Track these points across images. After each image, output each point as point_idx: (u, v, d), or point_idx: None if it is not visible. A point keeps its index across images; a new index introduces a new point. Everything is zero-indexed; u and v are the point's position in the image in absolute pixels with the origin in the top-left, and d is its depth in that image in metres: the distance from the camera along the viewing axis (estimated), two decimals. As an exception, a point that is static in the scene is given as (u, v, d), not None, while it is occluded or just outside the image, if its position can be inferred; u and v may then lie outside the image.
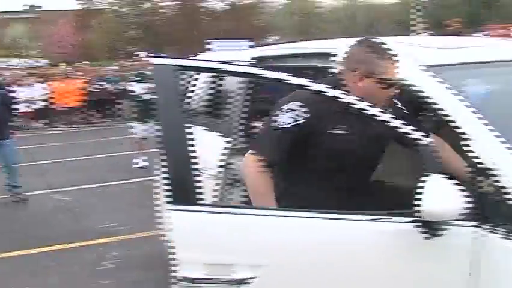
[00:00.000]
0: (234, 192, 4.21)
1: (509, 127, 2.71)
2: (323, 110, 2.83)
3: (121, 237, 6.86)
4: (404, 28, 28.02)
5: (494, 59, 3.12)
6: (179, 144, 2.51)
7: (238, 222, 2.55)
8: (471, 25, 29.03)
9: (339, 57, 3.28)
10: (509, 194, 2.38)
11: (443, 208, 2.31)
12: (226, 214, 2.57)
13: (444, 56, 3.05)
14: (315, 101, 2.81)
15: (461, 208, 2.34)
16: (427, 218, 2.33)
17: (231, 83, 4.64)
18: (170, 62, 2.62)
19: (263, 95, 4.76)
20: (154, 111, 2.66)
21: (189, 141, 2.52)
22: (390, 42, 2.94)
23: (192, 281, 2.51)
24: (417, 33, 12.71)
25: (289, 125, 2.85)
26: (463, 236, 2.48)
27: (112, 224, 7.38)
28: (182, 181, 2.48)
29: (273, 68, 2.93)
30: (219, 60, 3.70)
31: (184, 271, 2.49)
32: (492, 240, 2.43)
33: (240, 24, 35.00)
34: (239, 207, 3.09)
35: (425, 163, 2.43)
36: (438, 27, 18.01)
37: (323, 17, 54.54)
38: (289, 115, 2.87)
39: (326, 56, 3.44)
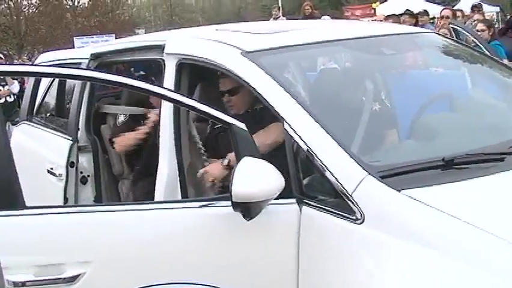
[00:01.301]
0: (82, 191, 4.19)
1: (325, 108, 2.85)
2: None
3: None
4: (268, 14, 28.34)
5: (311, 41, 3.26)
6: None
7: (63, 221, 2.57)
8: (336, 7, 29.59)
9: (167, 49, 3.35)
10: (326, 172, 2.51)
11: (252, 189, 2.39)
12: (49, 215, 2.58)
13: (263, 41, 3.15)
14: None
15: (274, 188, 2.44)
16: (238, 200, 2.40)
17: (73, 83, 4.59)
18: None
19: (103, 93, 4.76)
20: None
21: (6, 146, 2.50)
22: (211, 30, 3.01)
23: (23, 284, 2.49)
24: (275, 18, 13.04)
25: None
26: (285, 214, 2.59)
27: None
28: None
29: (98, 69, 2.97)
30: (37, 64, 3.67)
31: (12, 276, 2.47)
32: (313, 216, 2.54)
33: (106, 20, 34.46)
34: (61, 207, 3.09)
35: (237, 146, 2.52)
36: (298, 12, 18.43)
37: (187, 7, 54.60)
38: None
39: (158, 48, 3.48)
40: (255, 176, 2.41)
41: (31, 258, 2.51)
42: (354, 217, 2.39)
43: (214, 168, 3.16)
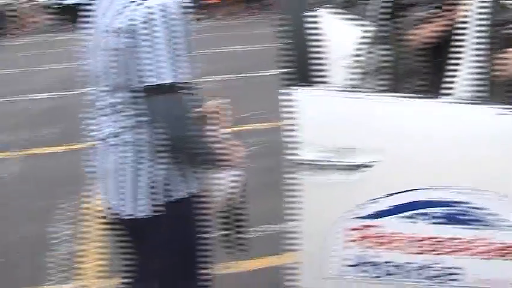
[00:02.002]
0: (368, 81, 4.11)
1: None
2: None
3: (258, 126, 6.92)
4: None
5: None
6: (301, 27, 2.49)
7: (365, 106, 2.52)
8: None
9: None
10: None
11: None
12: (353, 98, 2.55)
13: None
14: None
15: None
16: None
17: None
18: None
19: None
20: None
21: (313, 26, 2.49)
22: None
23: (312, 164, 2.51)
24: None
25: None
26: None
27: (252, 113, 7.45)
28: (306, 62, 2.46)
29: None
30: None
31: (304, 153, 2.50)
32: None
33: None
34: (365, 91, 3.04)
35: None
36: None
37: None
38: None
39: None
40: None
41: (324, 138, 2.52)
42: None
43: None
